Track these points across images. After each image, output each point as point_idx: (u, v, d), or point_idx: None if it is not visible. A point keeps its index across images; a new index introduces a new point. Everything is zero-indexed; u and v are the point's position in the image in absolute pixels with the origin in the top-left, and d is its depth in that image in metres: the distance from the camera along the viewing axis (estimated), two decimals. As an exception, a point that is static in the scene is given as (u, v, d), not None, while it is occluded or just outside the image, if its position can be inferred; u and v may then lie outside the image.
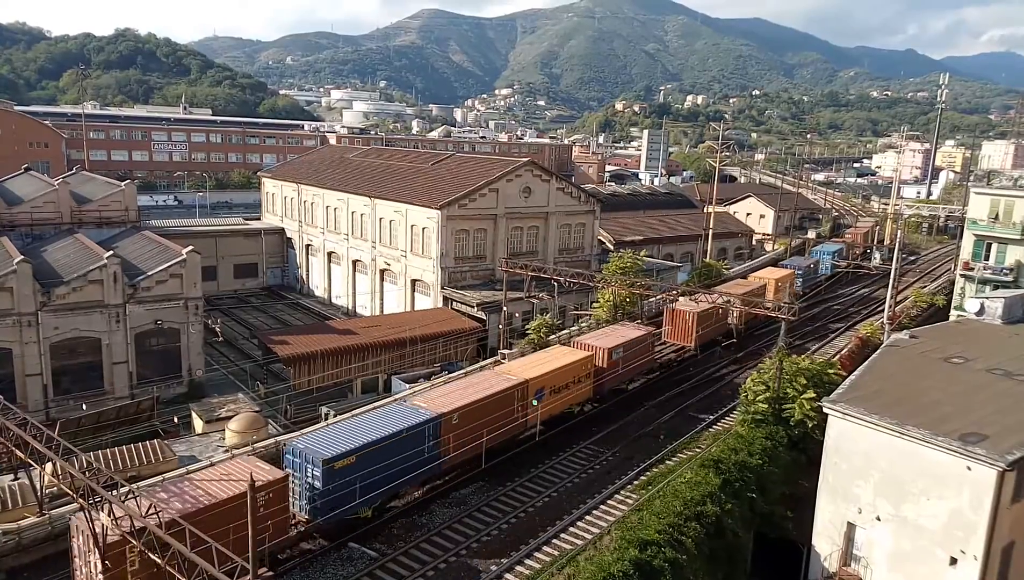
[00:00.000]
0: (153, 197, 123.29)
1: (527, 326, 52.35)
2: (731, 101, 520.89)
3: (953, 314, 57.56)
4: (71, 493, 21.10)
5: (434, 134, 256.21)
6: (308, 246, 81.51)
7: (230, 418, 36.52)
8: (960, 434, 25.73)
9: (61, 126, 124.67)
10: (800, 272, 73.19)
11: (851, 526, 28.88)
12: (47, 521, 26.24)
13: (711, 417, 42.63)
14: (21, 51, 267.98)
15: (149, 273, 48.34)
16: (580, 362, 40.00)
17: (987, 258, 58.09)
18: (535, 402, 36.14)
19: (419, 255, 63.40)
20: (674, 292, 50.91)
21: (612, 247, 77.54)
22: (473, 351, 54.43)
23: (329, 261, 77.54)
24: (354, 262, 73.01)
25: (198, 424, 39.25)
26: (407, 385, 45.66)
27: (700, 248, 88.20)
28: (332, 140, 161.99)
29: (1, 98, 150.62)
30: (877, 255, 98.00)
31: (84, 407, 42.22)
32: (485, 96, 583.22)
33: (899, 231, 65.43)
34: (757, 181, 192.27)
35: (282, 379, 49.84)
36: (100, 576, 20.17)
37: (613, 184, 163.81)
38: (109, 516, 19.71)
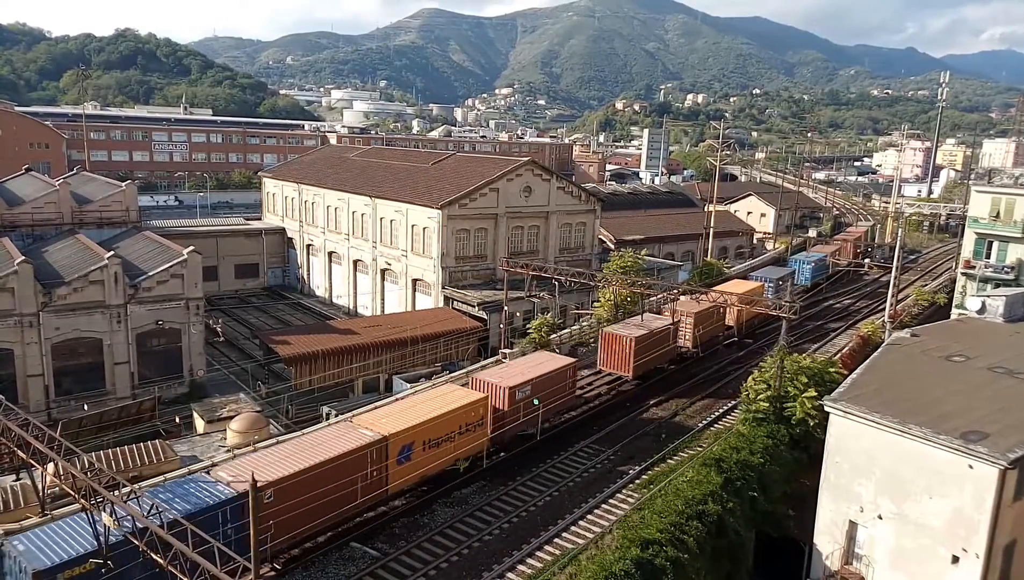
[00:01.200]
0: (154, 197, 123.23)
1: (528, 325, 52.34)
2: (731, 100, 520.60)
3: (954, 312, 57.48)
4: (73, 493, 21.08)
5: (434, 134, 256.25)
6: (309, 246, 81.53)
7: (231, 418, 36.50)
8: (962, 432, 25.71)
9: (62, 127, 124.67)
10: (771, 285, 63.63)
11: (853, 524, 28.86)
12: (49, 522, 26.23)
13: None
14: (21, 52, 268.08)
15: (150, 273, 48.38)
16: (470, 406, 32.75)
17: (988, 256, 58.02)
18: (402, 460, 29.16)
19: (420, 255, 63.40)
20: (674, 291, 50.83)
21: (613, 246, 77.51)
22: (474, 351, 54.44)
23: (330, 261, 77.56)
24: (355, 262, 73.02)
25: (199, 424, 39.25)
26: (408, 385, 45.67)
27: (701, 247, 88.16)
28: (332, 140, 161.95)
29: (2, 99, 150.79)
30: (877, 253, 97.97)
31: (86, 407, 42.24)
32: (485, 95, 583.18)
33: (900, 229, 65.29)
34: (758, 180, 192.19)
35: (283, 379, 49.87)
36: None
37: (614, 183, 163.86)
38: (111, 516, 19.72)
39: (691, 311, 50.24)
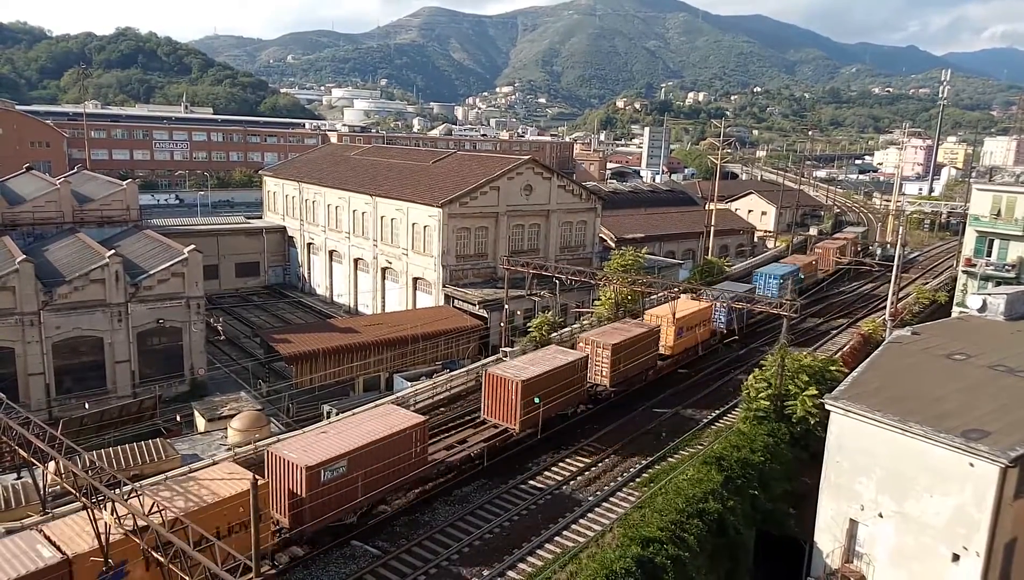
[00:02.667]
0: (154, 196, 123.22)
1: (529, 324, 52.34)
2: (732, 98, 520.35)
3: (955, 310, 57.44)
4: (74, 492, 21.11)
5: (435, 132, 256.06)
6: (310, 245, 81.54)
7: (232, 417, 36.51)
8: (962, 431, 25.69)
9: (62, 125, 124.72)
10: (722, 306, 54.02)
11: (853, 523, 28.85)
12: (50, 520, 26.26)
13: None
14: (22, 51, 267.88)
15: (151, 272, 48.40)
16: (235, 499, 22.50)
17: (989, 254, 57.97)
18: None
19: (420, 253, 63.40)
20: (675, 289, 50.77)
21: (613, 244, 77.48)
22: (475, 349, 54.45)
23: (331, 259, 77.57)
24: (355, 260, 73.02)
25: (200, 423, 39.27)
26: (408, 383, 45.69)
27: (701, 245, 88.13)
28: (333, 138, 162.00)
29: (2, 98, 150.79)
30: (879, 251, 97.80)
31: (87, 406, 42.29)
32: (486, 94, 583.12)
33: (901, 228, 65.23)
34: (759, 178, 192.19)
35: (284, 377, 49.92)
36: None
37: (614, 181, 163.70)
38: (112, 515, 19.74)
39: (608, 342, 41.73)
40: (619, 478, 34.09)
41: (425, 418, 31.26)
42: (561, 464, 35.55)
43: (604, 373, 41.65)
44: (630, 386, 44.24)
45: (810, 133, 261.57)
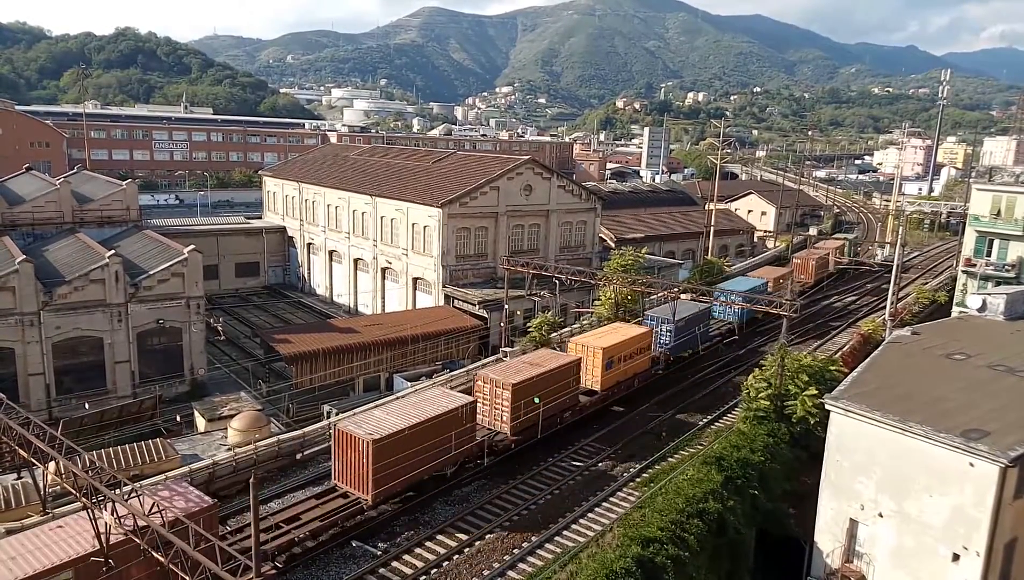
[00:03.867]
0: (154, 196, 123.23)
1: (528, 324, 52.35)
2: (732, 98, 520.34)
3: (955, 310, 57.45)
4: (74, 492, 21.12)
5: (435, 132, 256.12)
6: (309, 245, 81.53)
7: (232, 416, 36.54)
8: (962, 430, 25.69)
9: (62, 125, 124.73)
10: (669, 329, 47.22)
11: (853, 523, 28.86)
12: (50, 520, 26.27)
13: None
14: (22, 51, 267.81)
15: (151, 272, 48.41)
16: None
17: (989, 254, 57.98)
18: None
19: (420, 253, 63.40)
20: (675, 289, 50.78)
21: (613, 245, 77.50)
22: (475, 349, 54.46)
23: (330, 260, 77.56)
24: (355, 260, 73.02)
25: (200, 423, 39.29)
26: (408, 383, 45.69)
27: (701, 245, 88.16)
28: (333, 139, 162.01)
29: (2, 98, 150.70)
30: (879, 253, 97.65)
31: (87, 406, 42.28)
32: (486, 94, 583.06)
33: (901, 228, 65.26)
34: (758, 178, 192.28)
35: (284, 377, 49.92)
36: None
37: (614, 182, 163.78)
38: (112, 515, 19.74)
39: (509, 381, 34.31)
40: (621, 477, 34.07)
41: (215, 504, 24.27)
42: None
43: (504, 419, 34.32)
44: (545, 430, 36.44)
45: (810, 133, 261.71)
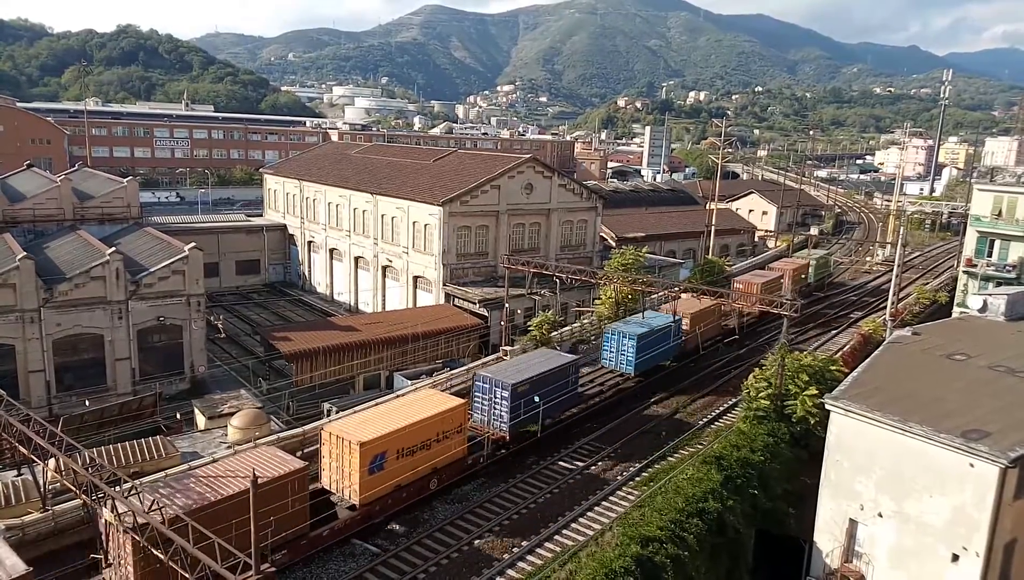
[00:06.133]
0: (155, 194, 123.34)
1: (529, 323, 52.35)
2: (733, 97, 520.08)
3: (956, 311, 57.44)
4: (74, 489, 21.15)
5: (436, 131, 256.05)
6: (310, 243, 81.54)
7: (233, 414, 36.53)
8: (963, 431, 25.68)
9: (63, 123, 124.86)
10: (504, 396, 33.74)
11: (853, 523, 28.86)
12: (50, 517, 26.30)
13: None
14: (23, 48, 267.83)
15: (151, 270, 48.41)
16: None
17: (990, 255, 57.95)
18: None
19: (421, 252, 63.39)
20: (676, 289, 50.76)
21: (614, 244, 77.50)
22: (475, 348, 54.45)
23: (331, 258, 77.57)
24: (356, 258, 73.02)
25: (200, 420, 39.30)
26: (409, 382, 45.70)
27: (702, 245, 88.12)
28: (334, 137, 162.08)
29: (3, 95, 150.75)
30: (880, 252, 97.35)
31: (87, 403, 42.30)
32: (487, 92, 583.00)
33: (902, 228, 65.25)
34: (759, 178, 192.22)
35: (284, 375, 49.94)
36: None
37: (615, 180, 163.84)
38: (112, 512, 19.76)
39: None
40: (619, 477, 34.08)
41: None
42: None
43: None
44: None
45: (811, 133, 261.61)
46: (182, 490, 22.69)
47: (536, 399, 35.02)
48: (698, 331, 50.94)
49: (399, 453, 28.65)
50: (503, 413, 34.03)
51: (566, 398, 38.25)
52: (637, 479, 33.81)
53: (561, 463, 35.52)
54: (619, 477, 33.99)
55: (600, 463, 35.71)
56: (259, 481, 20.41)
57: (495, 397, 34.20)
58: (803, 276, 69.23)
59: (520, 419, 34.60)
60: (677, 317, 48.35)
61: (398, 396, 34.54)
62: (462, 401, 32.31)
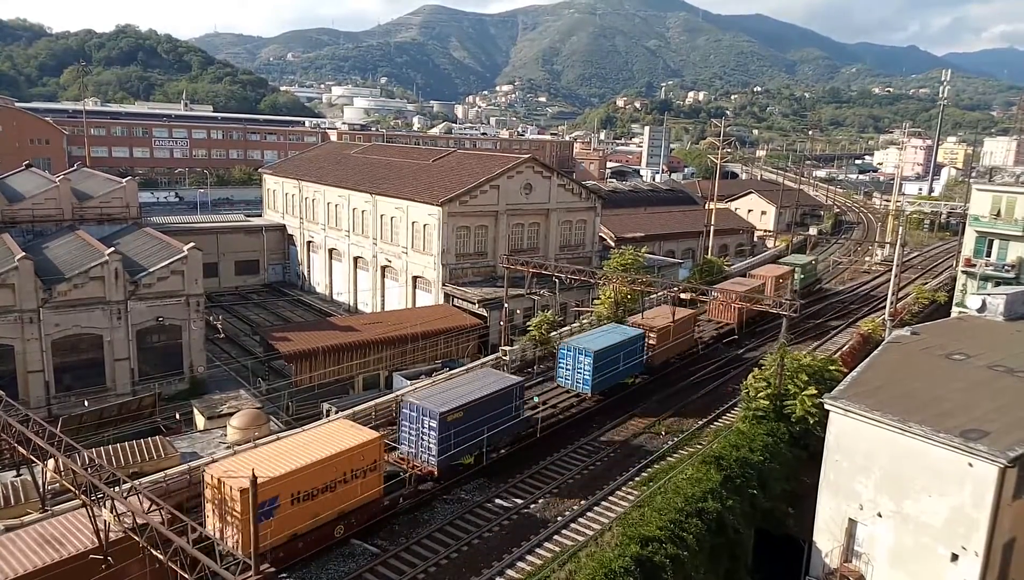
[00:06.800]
0: (154, 194, 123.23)
1: (528, 323, 52.34)
2: (732, 97, 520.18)
3: (955, 311, 57.48)
4: (73, 489, 21.11)
5: (435, 131, 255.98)
6: (309, 243, 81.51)
7: (232, 414, 36.53)
8: (962, 431, 25.70)
9: (62, 123, 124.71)
10: (431, 425, 30.44)
11: (852, 522, 28.88)
12: (49, 517, 26.27)
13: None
14: (22, 48, 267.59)
15: (150, 270, 48.38)
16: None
17: (989, 255, 57.98)
18: None
19: (420, 252, 63.37)
20: (676, 289, 50.71)
21: (613, 244, 77.51)
22: (474, 348, 54.44)
23: (330, 258, 77.54)
24: (355, 259, 73.00)
25: (200, 420, 39.29)
26: (408, 381, 45.68)
27: (701, 244, 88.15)
28: (333, 137, 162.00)
29: (2, 95, 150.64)
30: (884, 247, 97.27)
31: (86, 404, 42.26)
32: (486, 93, 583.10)
33: (901, 228, 65.25)
34: (759, 177, 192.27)
35: (284, 375, 49.92)
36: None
37: (614, 180, 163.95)
38: (112, 512, 19.73)
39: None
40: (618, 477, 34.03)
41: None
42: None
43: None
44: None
45: (810, 133, 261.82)
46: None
47: (474, 427, 31.51)
48: (668, 344, 47.03)
49: (295, 497, 24.81)
50: (431, 445, 30.25)
51: (508, 425, 34.23)
52: (636, 479, 33.58)
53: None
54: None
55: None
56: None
57: (423, 427, 30.46)
58: (787, 283, 64.63)
59: (452, 452, 30.97)
60: (637, 332, 44.36)
61: (304, 431, 30.66)
62: (376, 435, 28.06)
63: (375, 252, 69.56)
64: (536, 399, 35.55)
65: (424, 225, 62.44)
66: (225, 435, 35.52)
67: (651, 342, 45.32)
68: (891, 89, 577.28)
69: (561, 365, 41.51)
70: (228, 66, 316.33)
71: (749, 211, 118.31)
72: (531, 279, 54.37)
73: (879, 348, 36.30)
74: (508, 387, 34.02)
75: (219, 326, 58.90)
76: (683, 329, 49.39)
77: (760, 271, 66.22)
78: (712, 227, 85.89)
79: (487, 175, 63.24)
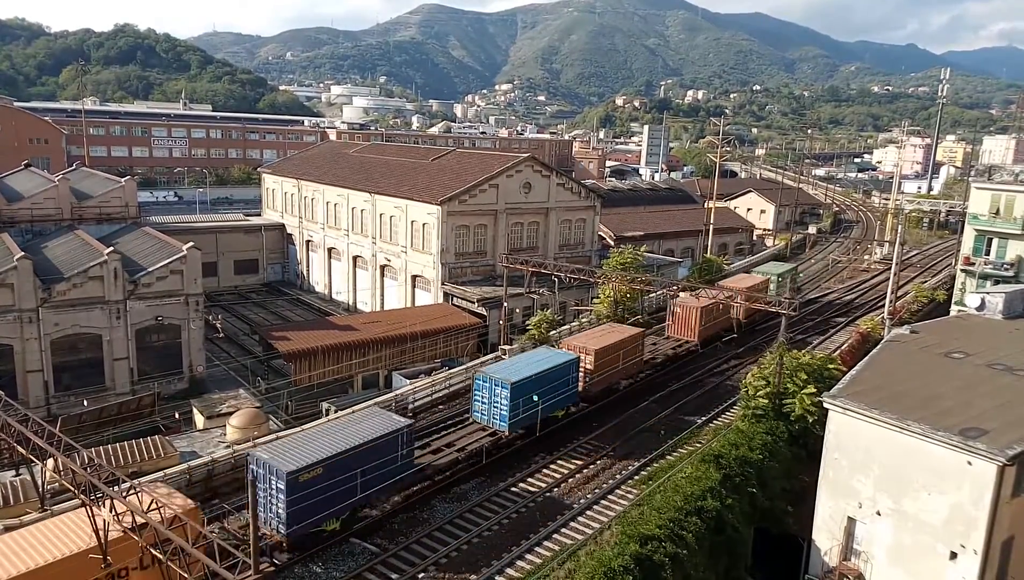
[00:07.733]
0: (153, 193, 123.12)
1: (528, 322, 52.36)
2: (732, 96, 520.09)
3: (954, 309, 57.49)
4: (72, 489, 21.10)
5: (434, 130, 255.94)
6: (308, 242, 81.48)
7: (231, 414, 36.53)
8: (961, 429, 25.73)
9: (61, 122, 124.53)
10: (279, 486, 24.80)
11: (851, 521, 28.91)
12: (48, 517, 26.26)
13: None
14: (21, 47, 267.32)
15: (150, 269, 48.36)
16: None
17: (988, 253, 57.98)
18: None
19: (419, 251, 63.37)
20: (675, 288, 50.70)
21: (612, 243, 77.53)
22: (474, 347, 54.45)
23: (329, 257, 77.53)
24: (354, 258, 72.99)
25: (199, 420, 39.30)
26: (407, 381, 45.69)
27: (700, 243, 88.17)
28: (332, 136, 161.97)
29: (1, 94, 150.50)
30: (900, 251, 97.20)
31: (85, 403, 42.29)
32: (485, 92, 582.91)
33: (900, 226, 65.23)
34: (758, 176, 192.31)
35: (283, 375, 49.92)
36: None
37: (613, 179, 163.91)
38: (111, 512, 19.74)
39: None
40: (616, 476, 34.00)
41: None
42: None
43: None
44: None
45: (809, 131, 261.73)
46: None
47: (340, 484, 26.20)
48: (609, 370, 41.15)
49: None
50: (279, 510, 24.88)
51: (393, 480, 28.72)
52: (636, 478, 33.57)
53: (560, 462, 34.47)
54: (618, 476, 32.77)
55: (599, 462, 34.57)
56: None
57: (271, 487, 24.95)
58: (761, 295, 52.83)
59: (311, 520, 25.70)
60: (572, 357, 38.07)
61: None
62: (189, 508, 21.53)
63: (374, 251, 69.56)
64: (536, 398, 34.93)
65: (423, 224, 62.44)
66: (224, 434, 35.53)
67: (587, 367, 39.17)
68: (890, 88, 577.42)
69: (476, 398, 35.24)
70: (227, 65, 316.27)
71: (748, 210, 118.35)
72: (530, 278, 54.41)
73: (878, 346, 36.32)
74: (389, 434, 28.13)
75: (218, 325, 58.86)
76: (629, 351, 42.89)
77: (730, 282, 57.16)
78: (711, 226, 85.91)
79: (486, 174, 63.23)
